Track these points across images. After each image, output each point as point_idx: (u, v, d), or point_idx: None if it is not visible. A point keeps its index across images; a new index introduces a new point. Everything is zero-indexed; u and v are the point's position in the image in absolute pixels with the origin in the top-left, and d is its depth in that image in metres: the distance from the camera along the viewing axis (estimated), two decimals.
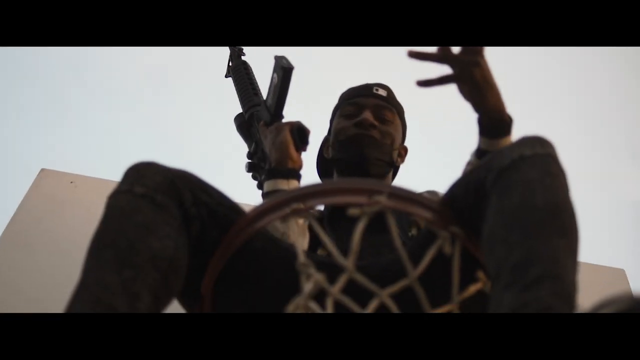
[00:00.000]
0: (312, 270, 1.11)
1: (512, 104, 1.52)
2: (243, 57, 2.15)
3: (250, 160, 1.95)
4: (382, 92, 1.96)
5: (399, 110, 1.98)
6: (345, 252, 1.43)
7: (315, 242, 1.61)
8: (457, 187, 1.28)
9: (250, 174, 1.94)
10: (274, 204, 1.21)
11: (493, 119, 1.51)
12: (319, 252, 1.65)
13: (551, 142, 1.22)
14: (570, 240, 1.08)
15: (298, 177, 1.74)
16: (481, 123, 1.53)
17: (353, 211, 1.16)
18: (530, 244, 1.05)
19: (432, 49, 1.47)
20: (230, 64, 2.17)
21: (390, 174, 1.94)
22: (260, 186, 1.88)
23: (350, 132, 1.87)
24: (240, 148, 2.02)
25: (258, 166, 1.91)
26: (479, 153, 1.55)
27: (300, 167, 1.78)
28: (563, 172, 1.18)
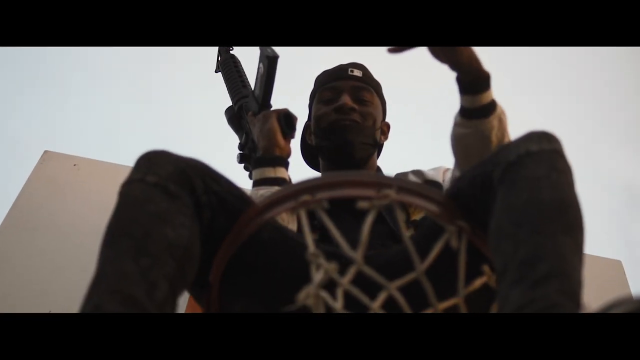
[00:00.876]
0: (322, 260, 1.12)
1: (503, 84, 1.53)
2: (231, 52, 2.17)
3: (241, 152, 1.95)
4: (357, 73, 1.94)
5: (376, 88, 1.96)
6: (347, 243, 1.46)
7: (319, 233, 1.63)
8: (463, 181, 1.29)
9: (242, 165, 1.94)
10: (282, 195, 1.22)
11: (470, 73, 1.52)
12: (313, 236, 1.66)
13: (557, 138, 1.22)
14: (577, 237, 1.09)
15: (285, 164, 1.76)
16: (460, 80, 1.54)
17: (362, 204, 1.17)
18: (537, 240, 1.06)
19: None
20: (219, 59, 2.18)
21: (375, 153, 1.93)
22: (251, 176, 1.90)
23: (331, 118, 1.86)
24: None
25: (249, 157, 1.92)
26: (463, 111, 1.55)
27: (288, 154, 1.79)
28: (569, 168, 1.19)
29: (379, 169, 1.92)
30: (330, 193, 1.20)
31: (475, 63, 1.51)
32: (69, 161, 2.35)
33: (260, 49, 1.86)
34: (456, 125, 1.57)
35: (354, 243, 1.16)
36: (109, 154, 2.53)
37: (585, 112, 3.77)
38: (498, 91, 1.54)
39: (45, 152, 2.36)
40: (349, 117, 1.84)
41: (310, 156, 2.03)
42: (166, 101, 3.41)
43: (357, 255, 1.13)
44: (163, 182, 1.20)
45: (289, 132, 1.80)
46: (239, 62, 2.15)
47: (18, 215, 2.15)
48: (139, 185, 1.19)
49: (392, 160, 2.10)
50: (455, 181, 1.33)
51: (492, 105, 1.54)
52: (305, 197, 1.19)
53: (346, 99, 1.86)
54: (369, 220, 1.15)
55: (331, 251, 1.38)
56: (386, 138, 1.99)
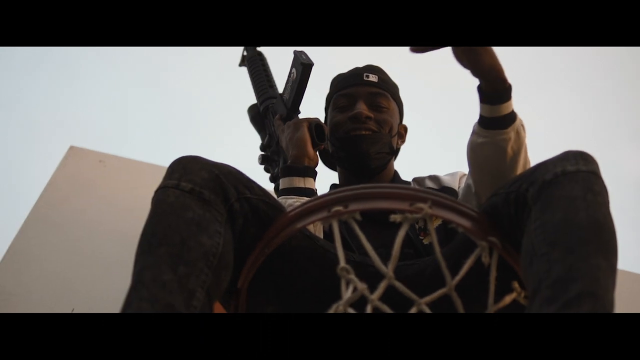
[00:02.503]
0: (353, 277, 1.11)
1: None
2: (258, 48, 2.15)
3: (263, 153, 1.95)
4: (373, 78, 1.89)
5: (392, 92, 1.92)
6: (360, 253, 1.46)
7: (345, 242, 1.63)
8: (498, 197, 1.28)
9: (263, 166, 1.94)
10: (315, 205, 1.22)
11: (491, 81, 1.48)
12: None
13: (594, 159, 1.22)
14: (611, 259, 1.08)
15: (314, 174, 1.74)
16: (480, 89, 1.50)
17: (395, 217, 1.17)
18: (570, 260, 1.06)
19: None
20: (245, 54, 2.16)
21: (392, 160, 1.91)
22: (272, 179, 1.89)
23: (346, 127, 1.83)
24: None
25: (271, 159, 1.91)
26: (481, 120, 1.52)
27: (316, 164, 1.78)
28: (605, 189, 1.18)
29: (395, 173, 1.91)
30: (364, 205, 1.20)
31: (497, 72, 1.47)
32: (95, 157, 2.36)
33: (295, 54, 1.85)
34: (473, 133, 1.55)
35: (376, 250, 1.16)
36: (134, 151, 2.50)
37: (597, 109, 3.73)
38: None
39: (71, 147, 2.37)
40: (364, 127, 1.81)
41: (327, 160, 2.01)
42: (195, 101, 3.41)
43: (389, 269, 1.12)
44: (198, 188, 1.20)
45: (319, 142, 1.80)
46: (266, 60, 2.14)
47: (42, 211, 2.15)
48: (174, 191, 1.20)
49: (409, 162, 2.08)
50: (489, 197, 1.32)
51: (511, 117, 1.50)
52: (338, 208, 1.19)
53: (362, 107, 1.83)
54: (401, 234, 1.14)
55: (360, 260, 1.38)
56: (403, 141, 1.97)
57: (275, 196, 1.35)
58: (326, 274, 1.27)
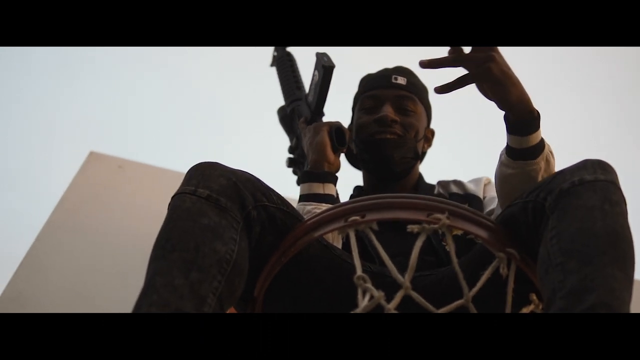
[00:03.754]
0: (370, 286, 1.11)
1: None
2: (287, 49, 2.14)
3: (291, 155, 1.94)
4: (401, 81, 1.86)
5: (420, 95, 1.88)
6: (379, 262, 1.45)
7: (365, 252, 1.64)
8: (515, 207, 1.27)
9: (291, 169, 1.93)
10: (332, 215, 1.22)
11: (519, 114, 1.43)
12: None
13: (613, 168, 1.21)
14: (627, 271, 1.07)
15: (334, 180, 1.72)
16: (508, 120, 1.45)
17: (412, 227, 1.16)
18: (586, 271, 1.04)
19: (443, 52, 1.44)
20: (275, 54, 2.15)
21: (418, 164, 1.89)
22: (299, 182, 1.88)
23: (372, 129, 1.81)
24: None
25: (298, 162, 1.90)
26: (509, 151, 1.47)
27: (337, 168, 1.76)
28: (623, 199, 1.17)
29: (420, 177, 1.89)
30: (381, 215, 1.20)
31: (524, 103, 1.42)
32: (114, 163, 2.38)
33: (317, 57, 1.84)
34: (502, 164, 1.50)
35: (394, 258, 1.15)
36: (154, 157, 2.51)
37: (611, 110, 3.70)
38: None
39: (91, 153, 2.39)
40: (389, 130, 1.79)
41: (351, 157, 1.99)
42: (215, 106, 3.41)
43: (406, 279, 1.12)
44: (215, 195, 1.20)
45: (339, 147, 1.77)
46: (295, 60, 2.12)
47: (62, 216, 2.17)
48: (190, 197, 1.20)
49: (435, 165, 2.06)
50: (507, 207, 1.30)
51: (540, 146, 1.46)
52: (355, 218, 1.19)
53: (388, 110, 1.80)
54: (418, 245, 1.14)
55: (376, 270, 1.38)
56: (430, 145, 1.95)
57: (292, 205, 1.34)
58: (343, 284, 1.26)
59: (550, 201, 1.18)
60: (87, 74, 3.25)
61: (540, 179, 1.45)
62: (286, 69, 2.09)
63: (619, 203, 1.15)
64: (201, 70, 3.40)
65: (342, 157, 1.81)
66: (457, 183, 1.84)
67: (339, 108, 1.97)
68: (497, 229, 1.24)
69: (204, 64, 3.37)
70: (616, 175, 1.20)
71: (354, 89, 1.97)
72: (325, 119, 1.88)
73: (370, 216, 1.19)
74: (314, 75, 1.88)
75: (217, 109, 3.40)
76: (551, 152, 1.49)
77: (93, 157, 2.37)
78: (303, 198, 1.67)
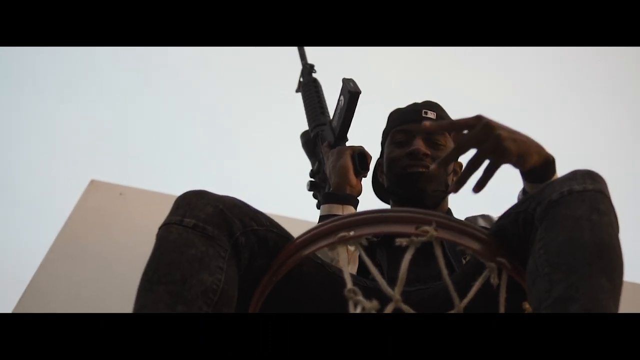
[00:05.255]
0: (361, 298, 1.11)
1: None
2: (314, 74, 2.17)
3: (312, 179, 1.95)
4: (431, 115, 1.88)
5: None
6: (395, 278, 1.45)
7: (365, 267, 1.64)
8: (506, 218, 1.27)
9: (312, 192, 1.94)
10: (321, 231, 1.23)
11: (540, 166, 1.39)
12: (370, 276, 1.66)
13: (602, 178, 1.21)
14: (614, 280, 1.07)
15: (354, 202, 1.75)
16: (523, 172, 1.42)
17: (400, 241, 1.17)
18: (572, 280, 1.05)
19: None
20: (301, 80, 2.18)
21: (447, 197, 1.89)
22: (318, 206, 1.89)
23: (403, 163, 1.82)
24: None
25: (319, 185, 1.91)
26: (525, 193, 1.47)
27: (359, 192, 1.78)
28: (612, 208, 1.17)
29: (449, 211, 1.89)
30: (369, 229, 1.20)
31: (543, 155, 1.38)
32: (115, 190, 2.39)
33: (343, 82, 1.86)
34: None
35: (411, 278, 1.17)
36: (155, 182, 2.53)
37: (610, 110, 3.69)
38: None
39: (92, 181, 2.40)
40: (421, 164, 1.80)
41: (380, 192, 2.00)
42: (215, 130, 3.44)
43: (395, 292, 1.12)
44: (201, 224, 1.21)
45: (361, 171, 1.80)
46: (320, 86, 2.14)
47: (64, 245, 2.18)
48: (177, 228, 1.21)
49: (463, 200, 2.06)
50: (498, 218, 1.31)
51: None
52: (344, 234, 1.20)
53: (419, 144, 1.81)
54: (407, 257, 1.15)
55: (372, 286, 1.38)
56: None
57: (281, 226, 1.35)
58: (337, 300, 1.27)
59: (540, 212, 1.18)
60: (86, 104, 3.29)
61: None
62: (311, 95, 2.11)
63: (607, 213, 1.15)
64: (199, 96, 3.44)
65: (370, 189, 1.84)
66: (485, 217, 1.84)
67: (362, 132, 1.98)
68: (487, 239, 1.24)
69: (203, 89, 3.41)
70: (605, 185, 1.20)
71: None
72: (348, 144, 1.90)
73: (358, 231, 1.20)
74: (339, 100, 1.90)
75: (217, 133, 3.42)
76: None
77: (94, 186, 2.38)
78: (322, 219, 1.68)
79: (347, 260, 1.59)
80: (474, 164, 1.30)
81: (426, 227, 1.18)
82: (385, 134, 1.97)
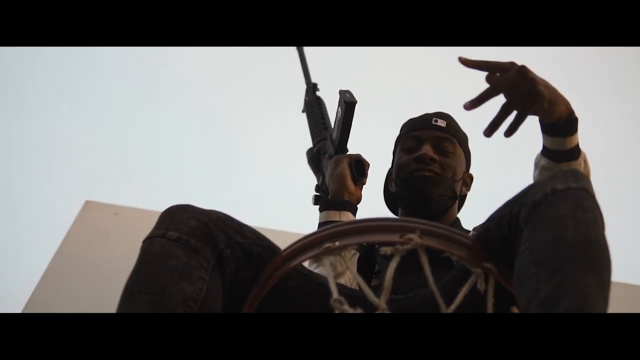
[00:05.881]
0: (346, 307, 1.11)
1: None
2: (317, 93, 2.19)
3: (317, 194, 1.96)
4: (441, 123, 1.90)
5: (460, 139, 1.92)
6: (395, 287, 1.46)
7: (368, 274, 1.67)
8: (491, 222, 1.27)
9: (318, 207, 1.95)
10: (306, 243, 1.23)
11: (565, 118, 1.46)
12: (372, 282, 1.67)
13: (585, 176, 1.21)
14: (601, 275, 1.06)
15: (352, 209, 1.76)
16: (549, 124, 1.48)
17: (385, 249, 1.17)
18: (559, 279, 1.04)
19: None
20: (306, 98, 2.20)
21: (455, 205, 1.90)
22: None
23: (411, 167, 1.84)
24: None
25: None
26: (552, 154, 1.51)
27: (357, 199, 1.80)
28: (596, 205, 1.17)
29: (457, 221, 1.89)
30: (354, 239, 1.21)
31: (569, 106, 1.45)
32: (110, 210, 2.39)
33: (340, 93, 1.87)
34: (543, 168, 1.52)
35: (402, 286, 1.20)
36: (149, 201, 2.54)
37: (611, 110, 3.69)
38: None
39: (87, 202, 2.41)
40: (428, 168, 1.82)
41: (392, 203, 2.01)
42: (209, 149, 3.45)
43: (381, 301, 1.12)
44: (184, 237, 1.22)
45: (358, 177, 1.81)
46: (324, 103, 2.16)
47: (60, 266, 2.19)
48: (160, 240, 1.22)
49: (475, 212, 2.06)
50: (484, 222, 1.31)
51: (578, 147, 1.50)
52: (328, 245, 1.20)
53: (427, 149, 1.83)
54: (392, 266, 1.14)
55: (361, 295, 1.38)
56: (468, 189, 1.95)
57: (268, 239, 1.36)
58: (325, 310, 1.27)
59: (524, 213, 1.18)
60: (79, 125, 3.30)
61: None
62: (315, 112, 2.13)
63: (591, 209, 1.15)
64: (192, 113, 3.45)
65: (371, 198, 1.84)
66: None
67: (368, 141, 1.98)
68: (472, 245, 1.24)
69: (196, 105, 3.42)
70: (589, 182, 1.20)
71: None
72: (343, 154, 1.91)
73: (343, 242, 1.20)
74: (337, 112, 1.91)
75: (211, 151, 3.43)
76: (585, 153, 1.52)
77: (88, 206, 2.39)
78: (320, 226, 1.70)
79: (345, 268, 1.60)
80: (507, 108, 1.39)
81: (410, 235, 1.18)
82: (397, 142, 1.98)
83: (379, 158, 2.01)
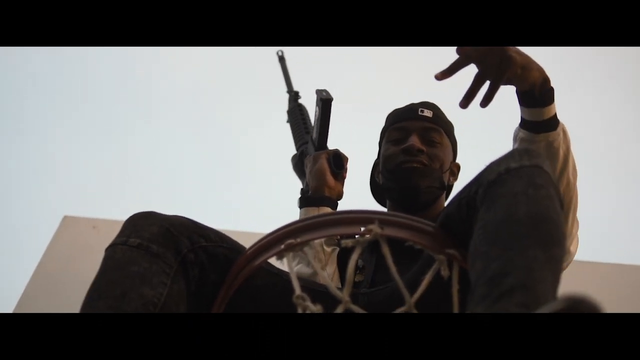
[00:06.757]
0: (309, 303, 1.12)
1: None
2: (299, 100, 2.20)
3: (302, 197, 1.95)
4: (427, 113, 1.87)
5: (446, 129, 1.89)
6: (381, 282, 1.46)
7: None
8: (451, 206, 1.28)
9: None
10: (269, 241, 1.23)
11: (541, 87, 1.45)
12: (356, 278, 1.66)
13: (539, 154, 1.21)
14: (551, 250, 1.06)
15: (332, 204, 1.76)
16: (530, 95, 1.46)
17: (346, 242, 1.17)
18: (507, 256, 1.04)
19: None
20: (287, 109, 2.21)
21: (443, 196, 1.88)
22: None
23: (398, 159, 1.80)
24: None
25: None
26: (530, 125, 1.49)
27: (338, 194, 1.81)
28: (550, 182, 1.16)
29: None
30: (315, 234, 1.21)
31: (544, 74, 1.44)
32: (89, 224, 2.40)
33: (316, 93, 1.88)
34: (523, 140, 1.51)
35: (378, 280, 1.21)
36: (128, 213, 2.54)
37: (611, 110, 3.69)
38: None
39: (65, 217, 2.41)
40: (416, 159, 1.79)
41: (378, 194, 2.00)
42: (185, 159, 3.46)
43: (344, 294, 1.12)
44: (146, 243, 1.23)
45: (338, 172, 1.82)
46: (306, 110, 2.17)
47: (41, 281, 2.19)
48: (121, 248, 1.23)
49: None
50: (445, 207, 1.32)
51: (556, 117, 1.49)
52: (290, 241, 1.20)
53: (414, 140, 1.81)
54: (354, 258, 1.15)
55: (326, 291, 1.38)
56: (456, 179, 1.94)
57: (233, 240, 1.36)
58: (293, 308, 1.27)
59: (481, 193, 1.19)
60: (55, 143, 3.30)
61: (561, 150, 1.47)
62: (297, 119, 2.14)
63: (544, 186, 1.14)
64: (169, 123, 3.45)
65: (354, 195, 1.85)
66: None
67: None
68: (434, 232, 1.24)
69: (174, 116, 3.42)
70: (543, 159, 1.20)
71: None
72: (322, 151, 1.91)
73: (304, 237, 1.21)
74: (315, 112, 1.92)
75: (187, 161, 3.44)
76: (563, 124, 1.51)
77: (67, 221, 2.40)
78: None
79: (325, 264, 1.61)
80: (481, 77, 1.39)
81: (371, 226, 1.18)
82: (382, 133, 1.97)
83: (373, 156, 2.01)
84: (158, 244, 1.23)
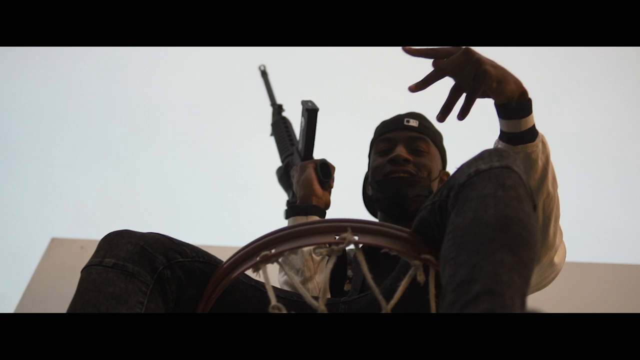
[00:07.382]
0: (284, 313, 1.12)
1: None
2: (283, 113, 2.20)
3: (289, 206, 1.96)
4: (413, 123, 1.89)
5: (433, 138, 1.91)
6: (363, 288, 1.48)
7: (340, 279, 1.68)
8: (425, 211, 1.27)
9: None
10: (244, 253, 1.23)
11: (518, 99, 1.45)
12: (345, 287, 1.67)
13: (510, 154, 1.20)
14: (519, 253, 1.04)
15: (319, 212, 1.77)
16: (504, 106, 1.46)
17: (321, 251, 1.18)
18: (474, 261, 1.03)
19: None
20: (272, 122, 2.22)
21: None
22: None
23: (385, 169, 1.83)
24: None
25: None
26: (508, 137, 1.48)
27: (326, 203, 1.82)
28: (520, 182, 1.15)
29: None
30: (289, 245, 1.21)
31: (521, 86, 1.44)
32: (76, 245, 2.40)
33: (302, 103, 1.89)
34: None
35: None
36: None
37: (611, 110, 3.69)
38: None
39: (53, 239, 2.42)
40: (402, 169, 1.81)
41: (370, 206, 2.01)
42: (166, 178, 3.46)
43: (320, 303, 1.13)
44: (121, 262, 1.23)
45: (325, 180, 1.83)
46: (290, 123, 2.18)
47: (30, 302, 2.19)
48: (97, 269, 1.22)
49: None
50: (419, 211, 1.31)
51: (535, 128, 1.48)
52: (265, 253, 1.20)
53: (400, 150, 1.83)
54: (329, 267, 1.15)
55: (301, 301, 1.38)
56: None
57: (209, 254, 1.36)
58: None
59: (452, 197, 1.18)
60: (40, 165, 3.30)
61: (540, 161, 1.46)
62: (281, 131, 2.14)
63: (513, 187, 1.13)
64: (157, 143, 3.46)
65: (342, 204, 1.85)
66: None
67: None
68: (409, 237, 1.24)
69: (161, 136, 3.43)
70: (514, 160, 1.19)
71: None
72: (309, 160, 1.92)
73: (279, 248, 1.21)
74: (301, 122, 1.93)
75: (168, 181, 3.45)
76: (543, 135, 1.51)
77: (55, 243, 2.40)
78: None
79: (314, 273, 1.62)
80: (456, 90, 1.41)
81: (344, 234, 1.19)
82: (371, 145, 1.99)
83: (360, 165, 2.02)
84: (133, 262, 1.23)
